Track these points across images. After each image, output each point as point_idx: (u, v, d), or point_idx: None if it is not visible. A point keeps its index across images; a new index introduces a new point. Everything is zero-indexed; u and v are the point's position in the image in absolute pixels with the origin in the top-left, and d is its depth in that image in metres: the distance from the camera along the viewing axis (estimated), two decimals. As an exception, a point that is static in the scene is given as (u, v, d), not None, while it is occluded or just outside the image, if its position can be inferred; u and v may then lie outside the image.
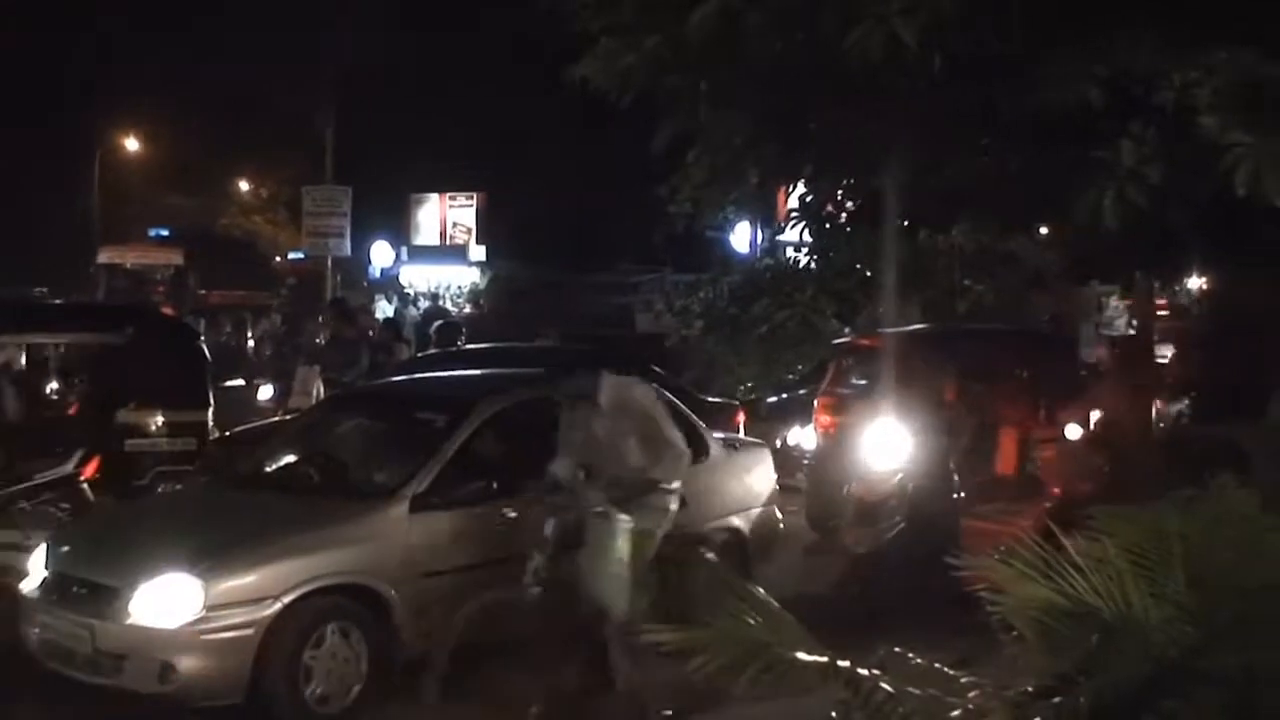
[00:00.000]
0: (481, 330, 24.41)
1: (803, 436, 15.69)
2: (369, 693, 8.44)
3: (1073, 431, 13.19)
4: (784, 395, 17.07)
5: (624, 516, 8.39)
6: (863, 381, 15.43)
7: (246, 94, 41.41)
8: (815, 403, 15.39)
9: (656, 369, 16.05)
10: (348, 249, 32.95)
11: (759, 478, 11.18)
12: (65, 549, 8.94)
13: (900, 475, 10.92)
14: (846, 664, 3.60)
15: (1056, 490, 12.53)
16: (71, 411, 14.44)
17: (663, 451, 8.91)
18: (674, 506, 8.86)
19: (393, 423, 10.55)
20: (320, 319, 25.09)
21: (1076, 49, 6.69)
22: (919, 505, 10.29)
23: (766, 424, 15.70)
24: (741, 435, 14.04)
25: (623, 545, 8.29)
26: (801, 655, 3.55)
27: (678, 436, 9.09)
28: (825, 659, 3.57)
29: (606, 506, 8.40)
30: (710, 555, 9.18)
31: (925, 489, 10.52)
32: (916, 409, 11.83)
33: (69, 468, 11.54)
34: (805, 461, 14.96)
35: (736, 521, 10.64)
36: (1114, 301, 29.02)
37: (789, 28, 6.81)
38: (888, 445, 11.67)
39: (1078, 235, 7.45)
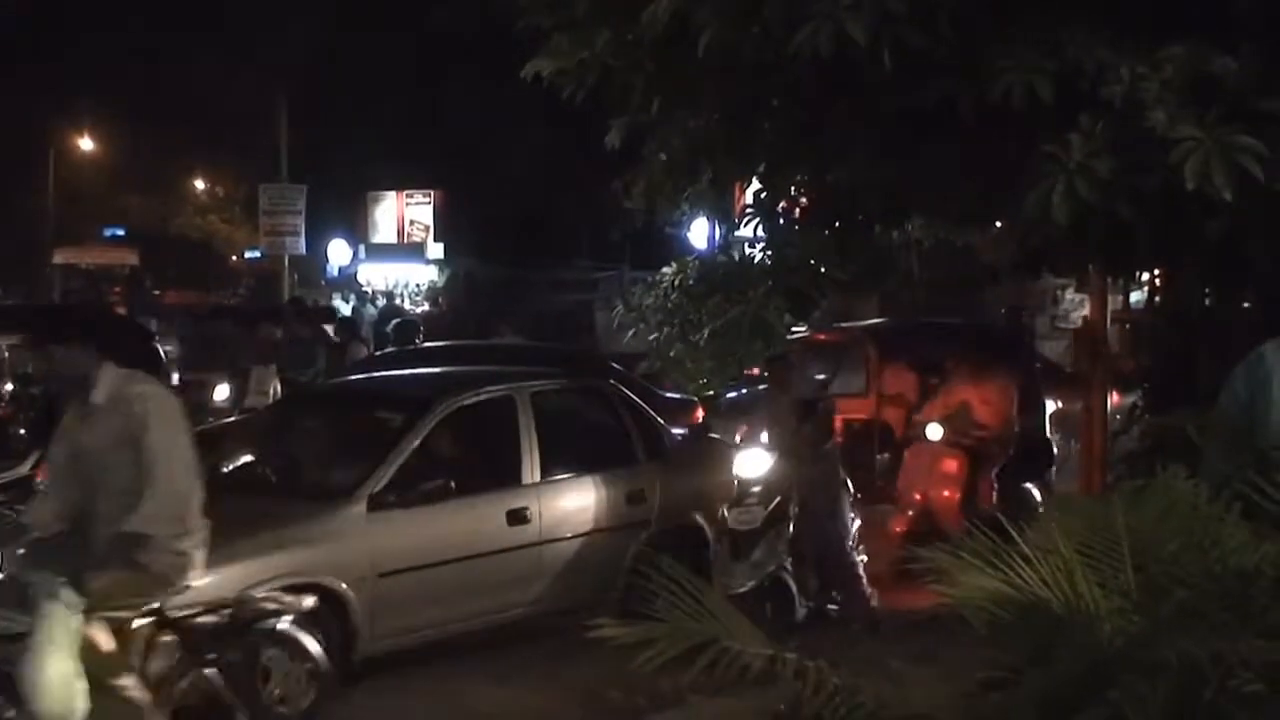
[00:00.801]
0: (439, 328, 24.34)
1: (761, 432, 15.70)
2: (328, 692, 8.42)
3: (933, 432, 12.47)
4: (743, 391, 17.11)
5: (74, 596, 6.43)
6: (819, 376, 15.48)
7: (201, 93, 41.21)
8: (772, 397, 15.42)
9: (615, 365, 16.09)
10: (303, 247, 32.88)
11: (718, 474, 11.21)
12: (21, 551, 8.87)
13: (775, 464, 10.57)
14: (793, 656, 3.62)
15: (918, 496, 12.20)
16: (28, 413, 14.33)
17: (155, 481, 6.64)
18: (181, 568, 6.83)
19: (350, 422, 10.55)
20: (276, 318, 25.01)
21: (1026, 43, 6.74)
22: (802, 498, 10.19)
23: (725, 419, 15.72)
24: (701, 431, 14.09)
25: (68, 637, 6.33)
26: (750, 649, 3.58)
27: (184, 460, 6.83)
28: (771, 652, 3.60)
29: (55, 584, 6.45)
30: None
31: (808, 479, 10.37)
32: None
33: (24, 469, 11.48)
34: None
35: (696, 518, 10.68)
36: (1070, 294, 29.18)
37: (738, 25, 6.82)
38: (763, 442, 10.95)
39: (1028, 229, 7.49)
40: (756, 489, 10.00)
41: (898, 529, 12.09)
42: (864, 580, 10.31)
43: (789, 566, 9.89)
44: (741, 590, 9.32)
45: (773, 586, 9.79)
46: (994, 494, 12.35)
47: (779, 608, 9.76)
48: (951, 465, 12.16)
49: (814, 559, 10.15)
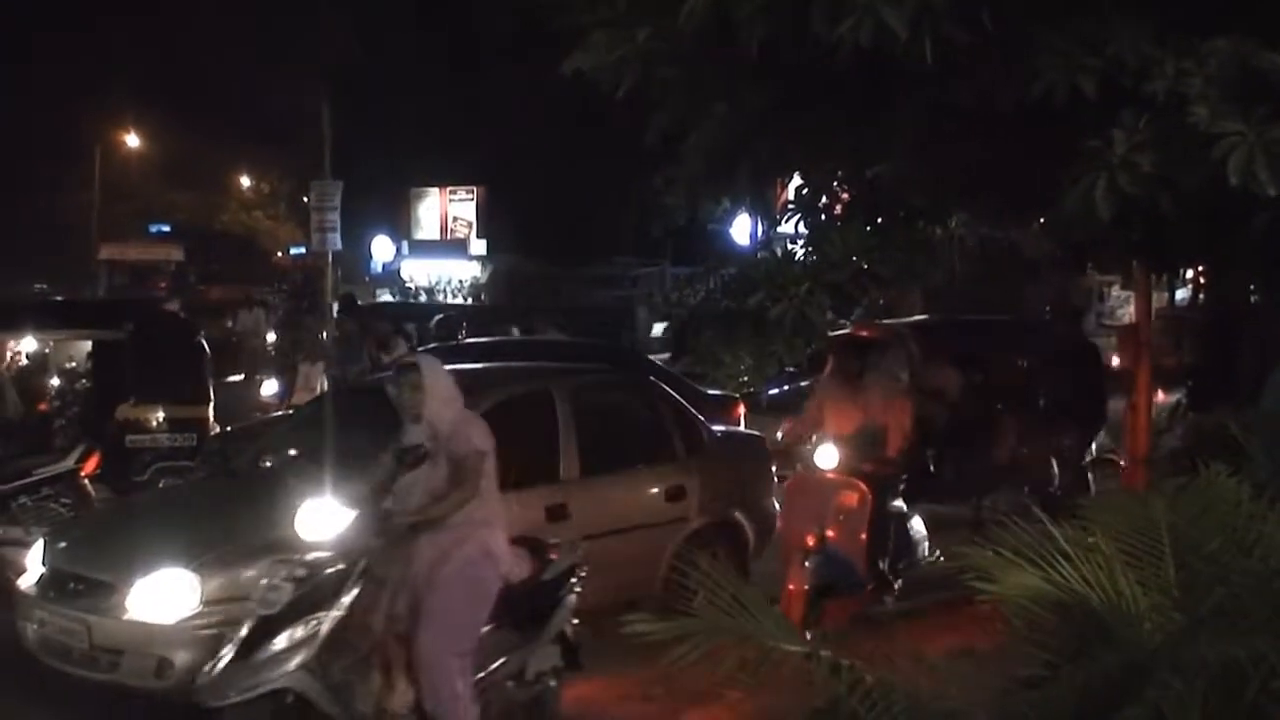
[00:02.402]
0: (482, 324, 24.40)
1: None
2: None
3: (825, 458, 10.17)
4: (785, 387, 17.06)
5: None
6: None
7: (246, 90, 41.45)
8: (814, 395, 15.38)
9: (655, 360, 16.10)
10: (339, 243, 32.98)
11: (756, 470, 11.18)
12: (63, 545, 8.96)
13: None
14: (828, 654, 3.61)
15: (811, 541, 9.74)
16: (72, 408, 14.46)
17: None
18: None
19: (391, 418, 10.55)
20: (323, 315, 25.07)
21: (1069, 38, 6.69)
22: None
23: (767, 416, 15.70)
24: (741, 428, 14.05)
25: None
26: (785, 646, 3.56)
27: None
28: (808, 649, 3.59)
29: None
30: None
31: None
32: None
33: (69, 463, 11.59)
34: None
35: (735, 514, 10.66)
36: (1115, 291, 29.06)
37: (779, 20, 6.80)
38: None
39: (1071, 224, 7.43)
40: (315, 555, 7.24)
41: (791, 586, 9.54)
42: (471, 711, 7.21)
43: (335, 673, 6.94)
44: (223, 703, 6.72)
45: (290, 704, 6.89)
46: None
47: None
48: (852, 499, 10.05)
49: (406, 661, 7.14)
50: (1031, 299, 22.11)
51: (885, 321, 15.06)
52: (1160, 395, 14.45)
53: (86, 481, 11.60)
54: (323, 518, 7.82)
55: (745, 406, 15.63)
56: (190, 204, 52.24)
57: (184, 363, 13.50)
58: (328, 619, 6.92)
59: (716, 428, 11.64)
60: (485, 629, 7.38)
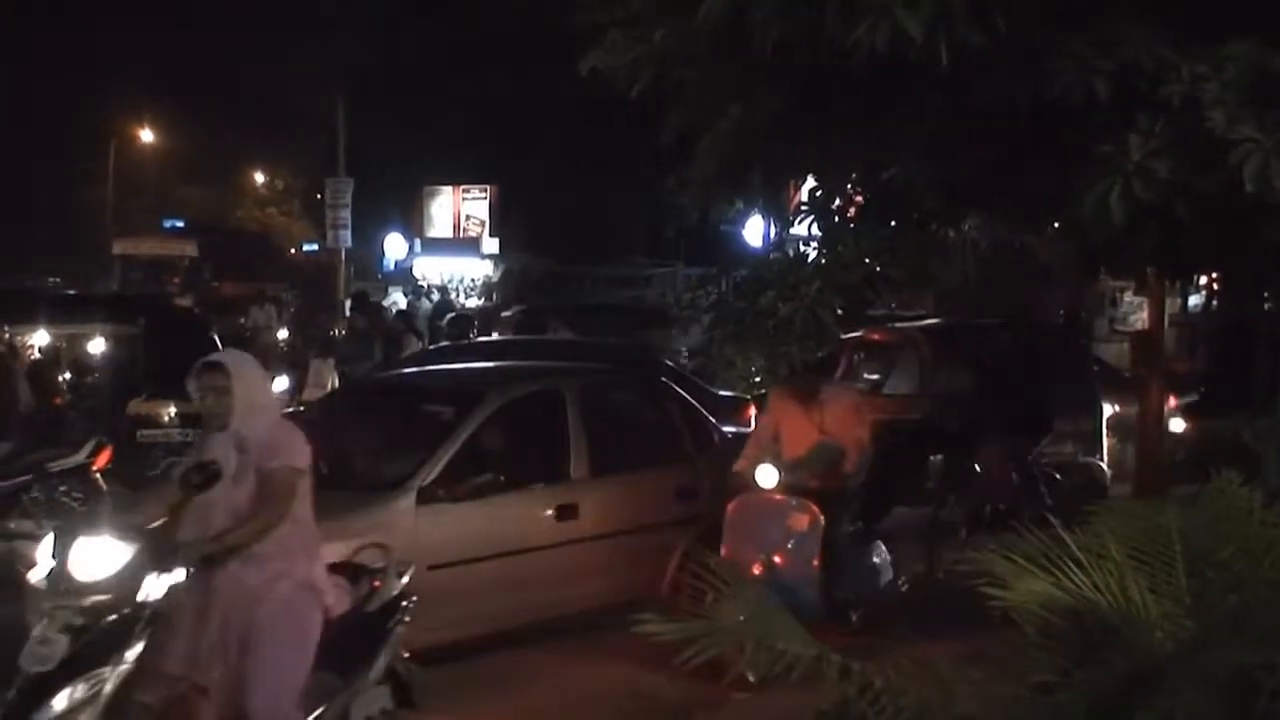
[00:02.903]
0: (492, 324, 24.42)
1: None
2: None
3: (765, 476, 9.38)
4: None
5: None
6: (874, 375, 15.44)
7: (260, 86, 41.54)
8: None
9: (668, 362, 16.10)
10: (349, 240, 33.07)
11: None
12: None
13: None
14: (838, 657, 3.60)
15: (758, 570, 8.93)
16: (84, 402, 14.49)
17: None
18: None
19: (401, 415, 10.58)
20: (335, 312, 25.24)
21: (1084, 42, 6.68)
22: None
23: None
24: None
25: None
26: (795, 648, 3.56)
27: None
28: (817, 652, 3.58)
29: None
30: None
31: None
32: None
33: (81, 458, 11.62)
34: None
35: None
36: (1129, 297, 28.99)
37: (794, 22, 6.79)
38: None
39: (1085, 229, 7.41)
40: (94, 599, 6.11)
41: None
42: None
43: None
44: None
45: None
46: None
47: None
48: (802, 521, 9.28)
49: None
50: (1045, 304, 22.07)
51: (897, 325, 15.05)
52: (1172, 401, 14.43)
53: (98, 476, 11.62)
54: (99, 555, 6.23)
55: (756, 407, 15.62)
56: (204, 200, 52.36)
57: (196, 358, 13.50)
58: (113, 675, 5.84)
59: (727, 428, 11.63)
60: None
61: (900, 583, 10.07)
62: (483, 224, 47.94)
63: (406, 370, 13.75)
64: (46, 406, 14.00)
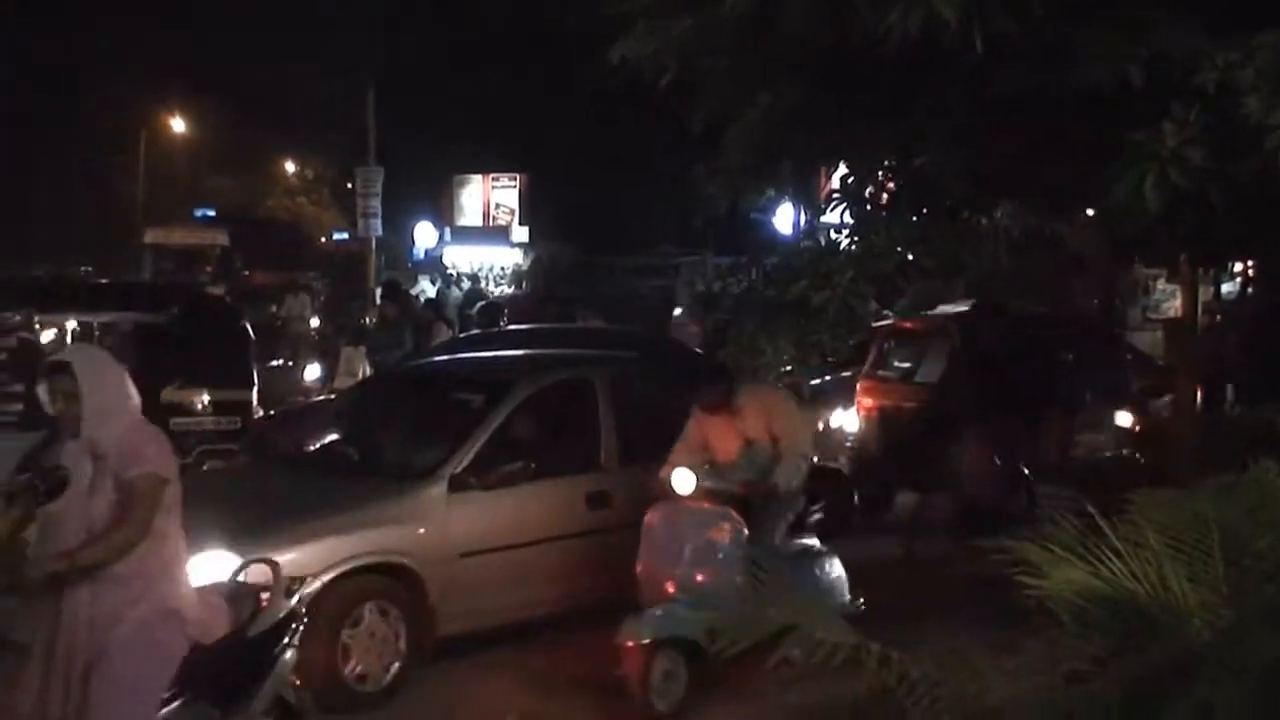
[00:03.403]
0: (522, 311, 24.44)
1: (845, 419, 15.62)
2: (407, 671, 8.50)
3: (681, 482, 8.52)
4: (827, 378, 17.02)
5: None
6: (905, 364, 15.40)
7: (290, 76, 41.62)
8: (858, 385, 15.35)
9: (696, 350, 16.08)
10: (379, 229, 33.14)
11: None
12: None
13: None
14: (878, 646, 3.59)
15: (671, 588, 8.24)
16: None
17: None
18: None
19: (432, 403, 10.60)
20: (365, 300, 25.29)
21: (1119, 28, 6.64)
22: None
23: (809, 407, 15.63)
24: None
25: None
26: (832, 637, 3.55)
27: None
28: (855, 641, 3.57)
29: None
30: None
31: None
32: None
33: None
34: (847, 444, 14.92)
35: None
36: (1161, 285, 28.82)
37: (822, 10, 6.77)
38: None
39: (1119, 217, 7.37)
40: None
41: (629, 642, 7.92)
42: None
43: None
44: None
45: None
46: None
47: None
48: (724, 533, 8.40)
49: None
50: (1077, 292, 21.96)
51: (928, 313, 14.98)
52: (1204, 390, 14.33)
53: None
54: None
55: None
56: (235, 189, 52.46)
57: (228, 347, 13.56)
58: None
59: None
60: (166, 710, 5.59)
61: (857, 603, 8.92)
62: (512, 212, 48.00)
63: (437, 358, 13.76)
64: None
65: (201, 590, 5.80)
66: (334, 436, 10.33)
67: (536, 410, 9.73)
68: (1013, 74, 6.93)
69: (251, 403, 13.51)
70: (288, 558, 8.04)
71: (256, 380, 13.72)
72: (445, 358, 13.80)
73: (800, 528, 9.09)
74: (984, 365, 12.55)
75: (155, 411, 12.80)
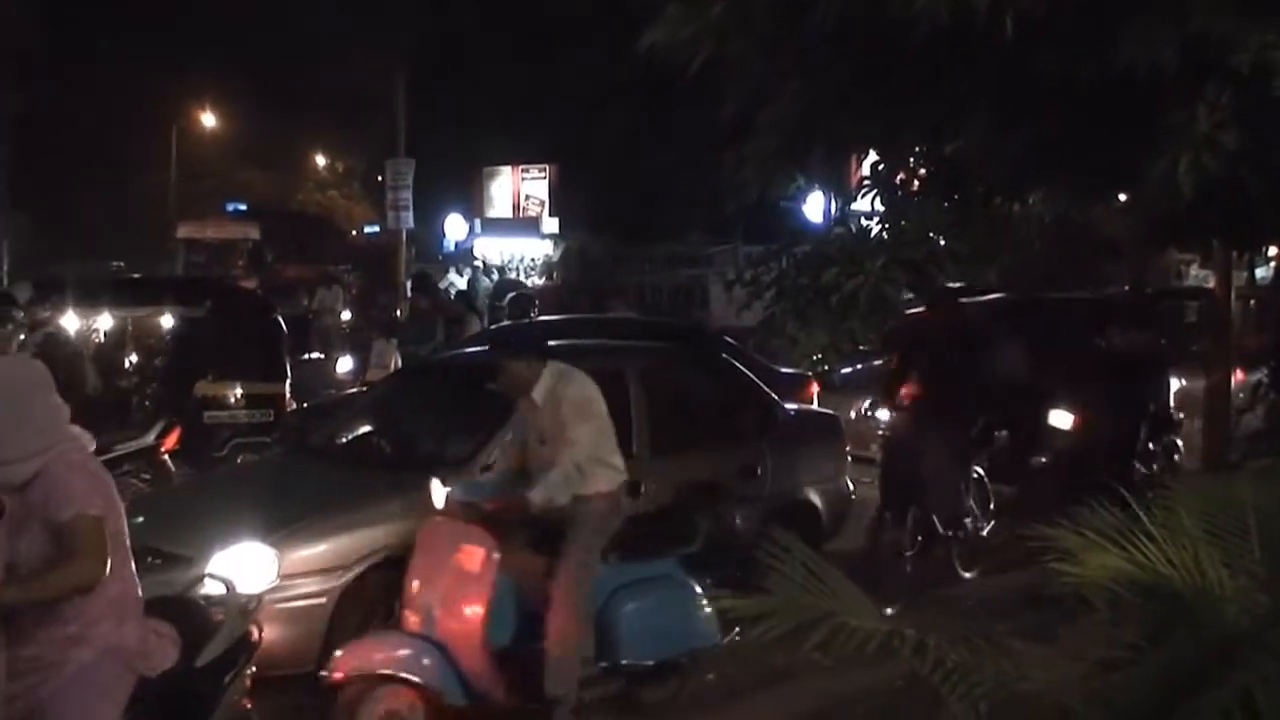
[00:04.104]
0: (552, 303, 24.47)
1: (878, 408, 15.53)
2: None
3: (436, 493, 7.65)
4: (858, 366, 16.97)
5: None
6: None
7: (320, 70, 41.75)
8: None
9: (729, 339, 16.06)
10: (411, 221, 33.20)
11: (830, 449, 11.13)
12: (140, 519, 9.03)
13: None
14: (913, 633, 3.58)
15: (439, 613, 7.20)
16: (151, 384, 14.63)
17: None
18: None
19: (463, 395, 10.60)
20: (396, 293, 25.36)
21: (1151, 11, 6.60)
22: None
23: (840, 395, 15.58)
24: (815, 406, 13.99)
25: None
26: (867, 624, 3.54)
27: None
28: (890, 628, 3.56)
29: None
30: None
31: None
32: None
33: (149, 439, 11.71)
34: (880, 432, 14.85)
35: (808, 493, 10.62)
36: (1194, 270, 28.66)
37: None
38: None
39: (1153, 202, 7.33)
40: None
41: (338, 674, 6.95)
42: None
43: None
44: None
45: None
46: None
47: None
48: (473, 559, 7.17)
49: None
50: (1112, 277, 21.85)
51: (964, 300, 14.88)
52: (1239, 375, 14.24)
53: (166, 457, 11.73)
54: None
55: (819, 385, 15.55)
56: (266, 183, 52.68)
57: (261, 340, 13.63)
58: None
59: (789, 406, 11.59)
60: None
61: (716, 642, 7.83)
62: (542, 204, 47.98)
63: (468, 350, 13.78)
64: (113, 389, 14.17)
65: (149, 622, 5.27)
66: (366, 429, 10.35)
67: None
68: (1046, 58, 6.90)
69: (285, 396, 13.57)
70: (321, 549, 8.11)
71: (289, 373, 13.78)
72: (476, 349, 13.83)
73: (643, 547, 7.99)
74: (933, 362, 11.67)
75: (189, 405, 12.99)
